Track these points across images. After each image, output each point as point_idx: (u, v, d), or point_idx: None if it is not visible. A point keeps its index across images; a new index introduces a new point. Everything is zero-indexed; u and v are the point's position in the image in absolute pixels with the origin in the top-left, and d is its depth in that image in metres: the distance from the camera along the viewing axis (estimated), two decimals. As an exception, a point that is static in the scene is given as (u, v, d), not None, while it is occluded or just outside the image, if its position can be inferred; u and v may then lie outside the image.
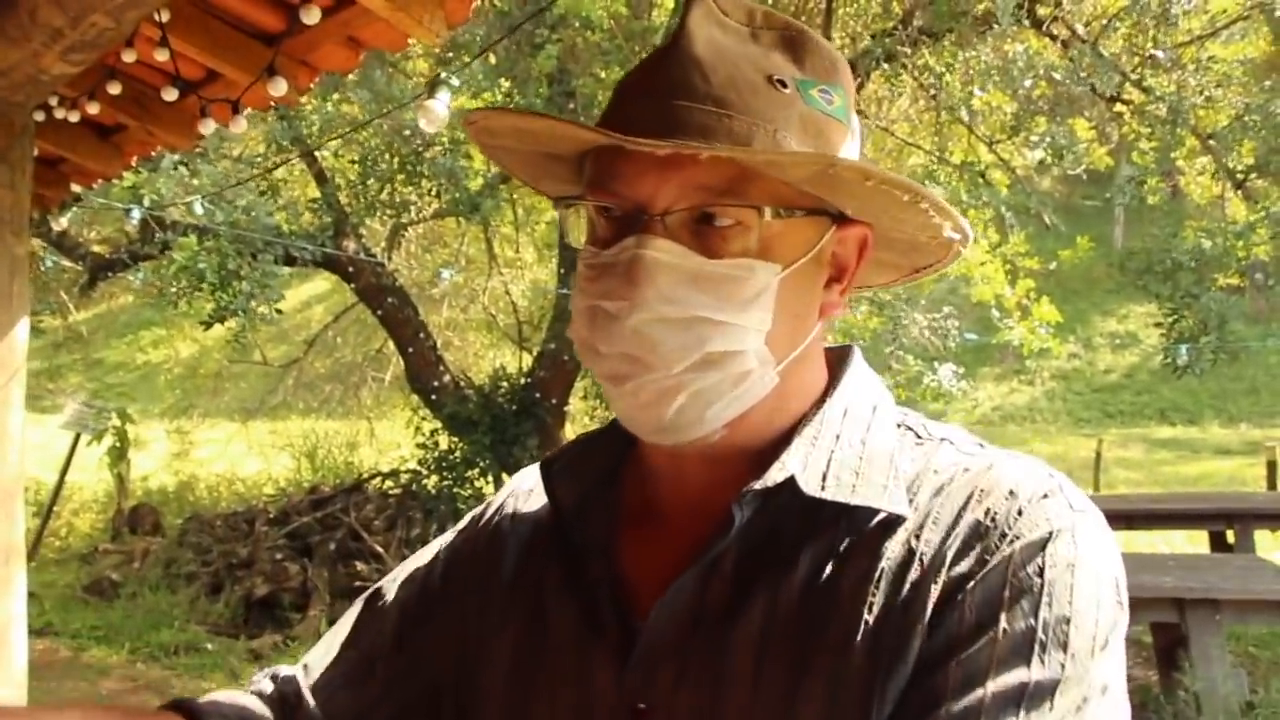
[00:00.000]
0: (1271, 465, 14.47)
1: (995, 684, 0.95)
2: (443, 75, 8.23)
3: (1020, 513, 1.03)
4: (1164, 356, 12.04)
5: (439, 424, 12.31)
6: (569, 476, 1.23)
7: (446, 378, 12.54)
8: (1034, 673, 0.96)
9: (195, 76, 3.63)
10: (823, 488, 1.07)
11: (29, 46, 2.94)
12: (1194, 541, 11.89)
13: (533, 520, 1.31)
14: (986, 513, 1.04)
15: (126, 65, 3.44)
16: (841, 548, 1.06)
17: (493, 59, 10.33)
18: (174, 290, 11.58)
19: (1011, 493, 1.05)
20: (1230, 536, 9.68)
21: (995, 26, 9.14)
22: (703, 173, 1.05)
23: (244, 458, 17.98)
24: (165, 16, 3.13)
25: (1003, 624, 0.97)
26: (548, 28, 10.14)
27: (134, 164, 4.80)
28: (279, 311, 11.68)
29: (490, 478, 11.86)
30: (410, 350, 12.74)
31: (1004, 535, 1.02)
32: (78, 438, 14.71)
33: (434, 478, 12.12)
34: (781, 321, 1.10)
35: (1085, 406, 29.36)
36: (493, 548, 1.31)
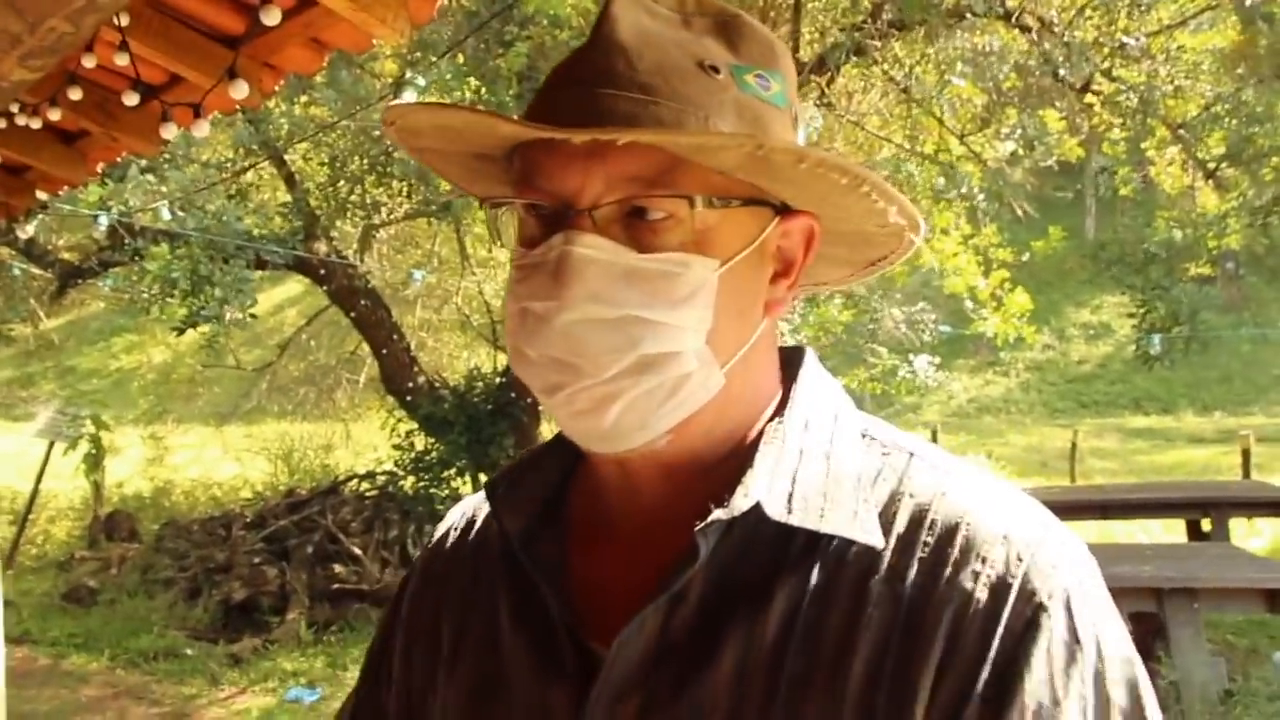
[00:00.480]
0: (1246, 453, 14.55)
1: None
2: (409, 75, 8.19)
3: (1020, 559, 0.98)
4: (1136, 347, 12.10)
5: (414, 425, 12.28)
6: (514, 499, 1.17)
7: (421, 379, 12.52)
8: None
9: (157, 80, 3.59)
10: (789, 510, 1.02)
11: (-13, 53, 2.91)
12: (1170, 531, 11.94)
13: (475, 552, 1.26)
14: (980, 559, 0.98)
15: (87, 70, 3.41)
16: (817, 581, 1.00)
17: (461, 58, 10.29)
18: (146, 296, 11.53)
19: (1004, 536, 1.00)
20: (1206, 525, 9.72)
21: (966, 18, 9.15)
22: (630, 163, 1.00)
23: (219, 462, 17.95)
24: (125, 20, 3.10)
25: (1063, 703, 0.94)
26: (516, 25, 10.11)
27: (100, 170, 4.76)
28: (253, 316, 11.64)
29: (467, 478, 11.84)
30: (384, 352, 12.70)
31: (1006, 587, 0.97)
32: (52, 445, 14.65)
33: (410, 479, 12.09)
34: (724, 319, 1.04)
35: (1060, 397, 29.51)
36: (431, 609, 1.26)
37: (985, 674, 0.94)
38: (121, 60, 3.19)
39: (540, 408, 12.23)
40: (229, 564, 11.33)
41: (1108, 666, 0.97)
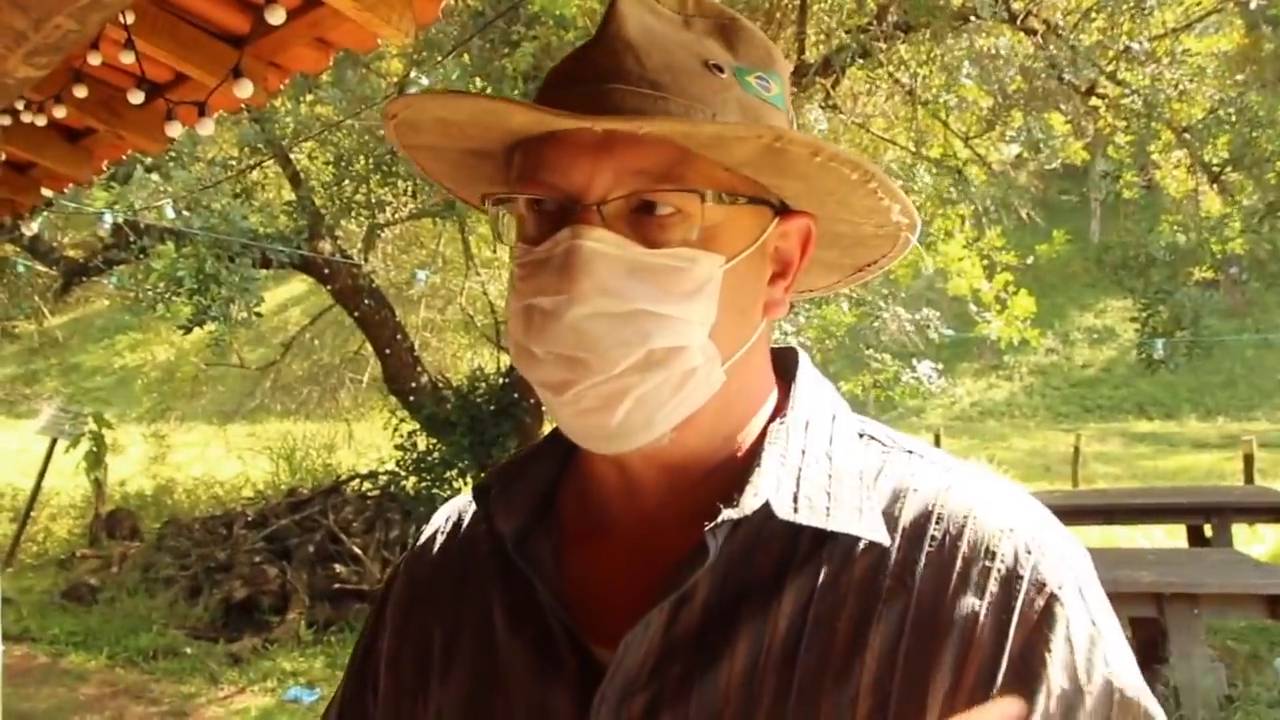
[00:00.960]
0: (1249, 459, 14.51)
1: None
2: (413, 75, 8.20)
3: (1029, 551, 1.00)
4: (1138, 352, 12.08)
5: (417, 425, 12.27)
6: (507, 500, 1.17)
7: (424, 379, 12.51)
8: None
9: (162, 79, 3.60)
10: (795, 510, 1.02)
11: (-8, 50, 2.91)
12: (1172, 536, 11.93)
13: (463, 555, 1.25)
14: (989, 553, 1.00)
15: (92, 68, 3.42)
16: (826, 579, 1.01)
17: (467, 58, 10.28)
18: (151, 295, 11.53)
19: (1010, 529, 1.02)
20: (1208, 531, 9.72)
21: (972, 20, 9.14)
22: (639, 157, 1.01)
23: (222, 461, 17.95)
24: (130, 18, 3.10)
25: (1088, 686, 0.97)
26: (523, 25, 10.11)
27: (105, 168, 4.77)
28: (258, 315, 11.64)
29: (469, 478, 11.82)
30: (388, 352, 12.69)
31: (1017, 579, 0.99)
32: (54, 443, 14.65)
33: (412, 479, 12.08)
34: (727, 316, 1.05)
35: (1063, 401, 29.44)
36: (419, 615, 1.25)
37: (1005, 665, 0.96)
38: (127, 58, 3.19)
39: (543, 408, 12.22)
40: (230, 563, 11.34)
41: (1118, 651, 1.01)
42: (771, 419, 1.13)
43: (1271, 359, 28.46)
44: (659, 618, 1.02)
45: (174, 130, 3.51)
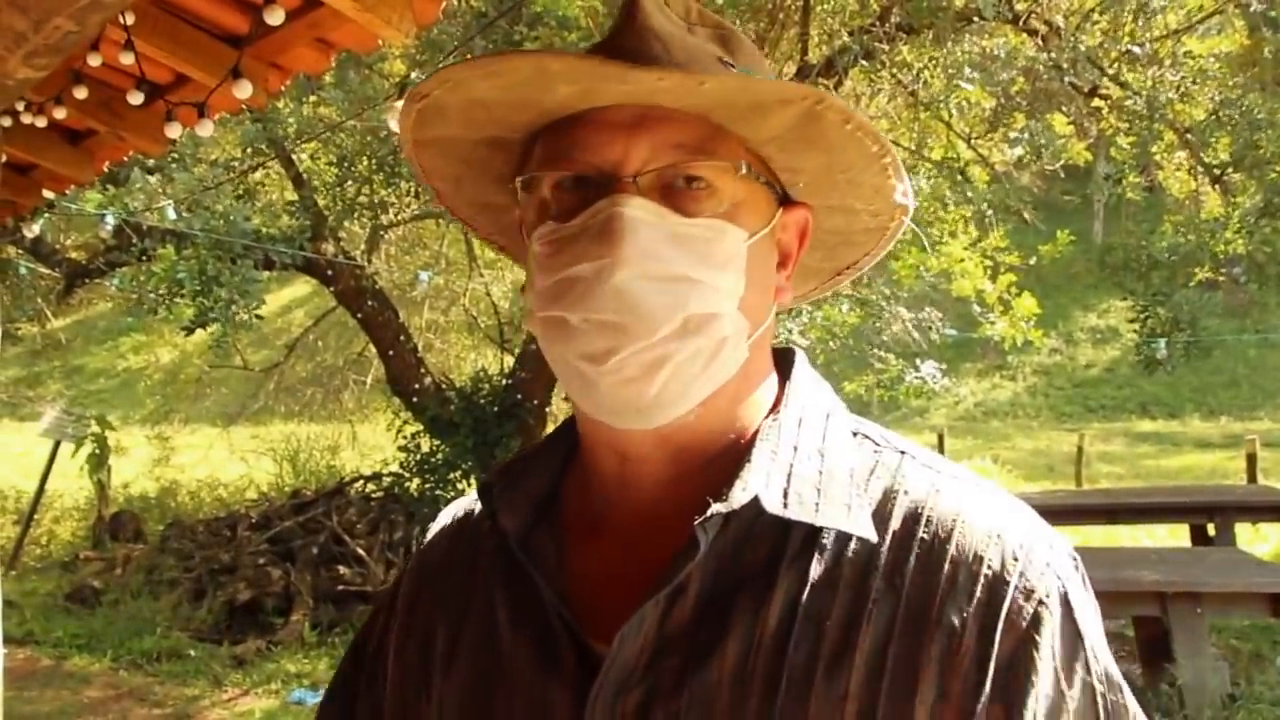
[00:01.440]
0: (1251, 458, 14.52)
1: None
2: (414, 76, 8.19)
3: (1015, 558, 1.01)
4: (1138, 352, 12.08)
5: (421, 426, 12.27)
6: (510, 498, 1.18)
7: (428, 380, 12.51)
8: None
9: (163, 80, 3.60)
10: (785, 505, 1.03)
11: (-9, 51, 2.91)
12: (1175, 535, 11.92)
13: (468, 553, 1.26)
14: (977, 557, 1.01)
15: (92, 69, 3.42)
16: (816, 575, 1.02)
17: (470, 58, 10.27)
18: (153, 297, 11.53)
19: (998, 535, 1.03)
20: (1211, 530, 9.72)
21: (974, 21, 9.14)
22: (673, 131, 1.05)
23: (225, 463, 17.94)
24: (130, 19, 3.11)
25: (1070, 693, 0.99)
26: (525, 25, 10.12)
27: (106, 169, 4.77)
28: (259, 317, 11.63)
29: (472, 480, 11.82)
30: (391, 353, 12.70)
31: (1004, 584, 1.00)
32: (57, 445, 14.65)
33: (416, 480, 12.08)
34: (750, 291, 1.09)
35: (1067, 401, 29.44)
36: (425, 611, 1.26)
37: (992, 670, 0.97)
38: (127, 59, 3.20)
39: (547, 409, 12.24)
40: (234, 565, 11.33)
41: (1101, 657, 1.02)
42: (767, 415, 1.14)
43: (1274, 359, 28.46)
44: (653, 612, 1.03)
45: (174, 131, 3.52)
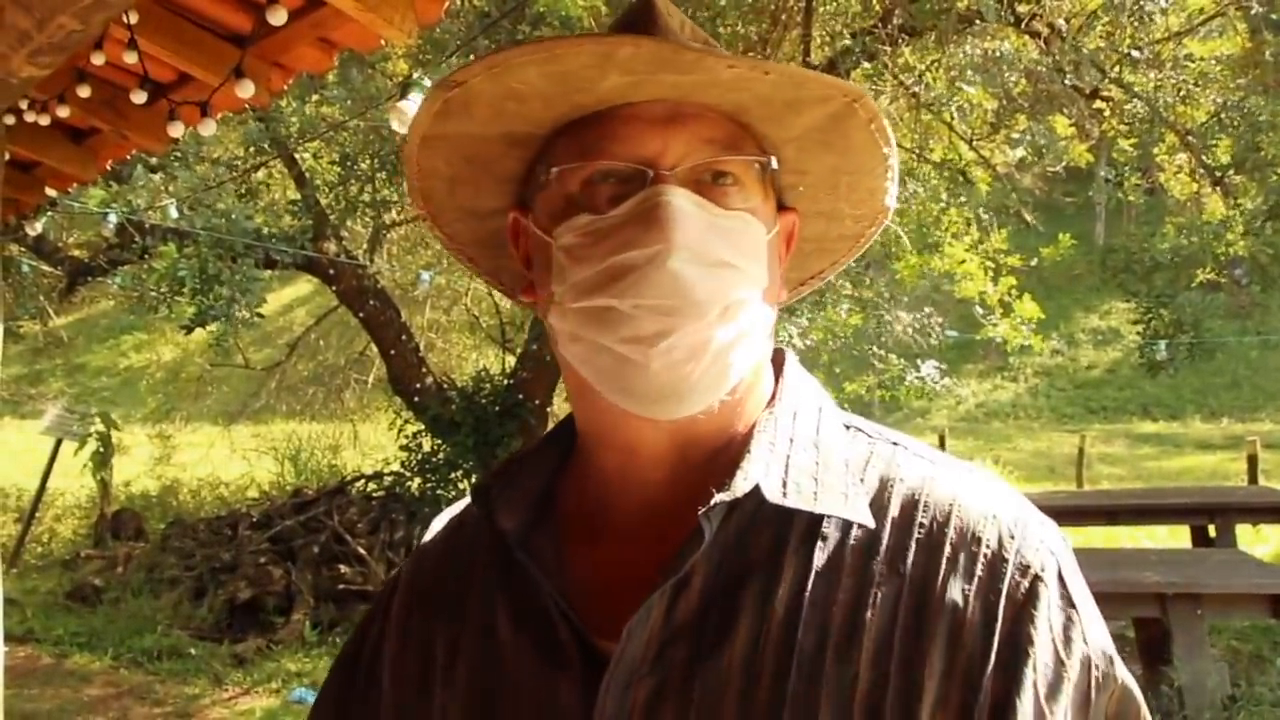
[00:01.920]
0: (1252, 460, 14.51)
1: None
2: (415, 76, 8.19)
3: (1011, 536, 1.04)
4: (1140, 354, 12.10)
5: (422, 426, 12.27)
6: (508, 499, 1.18)
7: (429, 380, 12.51)
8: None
9: (166, 78, 3.60)
10: (784, 494, 1.05)
11: (-5, 50, 2.92)
12: (1176, 536, 11.92)
13: (465, 557, 1.26)
14: (975, 539, 1.04)
15: (96, 68, 3.42)
16: (820, 563, 1.04)
17: (472, 57, 10.27)
18: (154, 295, 11.54)
19: (994, 516, 1.06)
20: (1212, 531, 9.71)
21: (977, 24, 9.14)
22: (705, 128, 1.08)
23: (227, 461, 17.94)
24: (134, 18, 3.11)
25: (1069, 662, 1.01)
26: (528, 25, 10.12)
27: (109, 167, 4.78)
28: (260, 315, 11.63)
29: (473, 480, 11.81)
30: (392, 352, 12.70)
31: (1003, 562, 1.03)
32: (59, 443, 14.65)
33: (417, 480, 12.09)
34: (770, 283, 1.12)
35: (1068, 402, 29.48)
36: (422, 617, 1.25)
37: (996, 644, 0.99)
38: (130, 58, 3.20)
39: (548, 409, 12.23)
40: (235, 564, 11.33)
41: (1094, 629, 1.04)
42: (764, 410, 1.16)
43: (1275, 360, 28.48)
44: (659, 604, 1.04)
45: (176, 130, 3.52)
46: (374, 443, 17.21)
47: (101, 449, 14.46)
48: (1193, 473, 20.03)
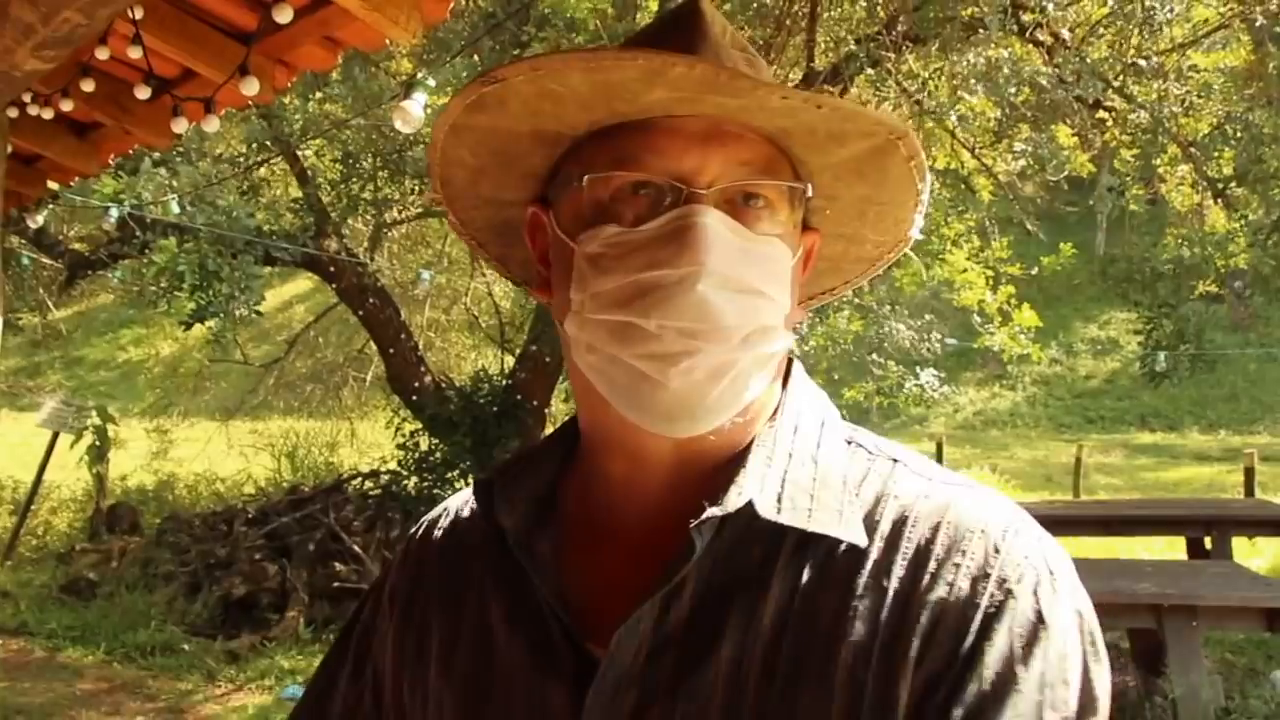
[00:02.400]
0: (1249, 472, 14.51)
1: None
2: (419, 75, 8.19)
3: (997, 550, 1.02)
4: (1141, 364, 12.10)
5: (419, 425, 12.26)
6: (509, 497, 1.18)
7: (427, 379, 12.51)
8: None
9: (170, 74, 3.60)
10: (778, 510, 1.05)
11: (0, 42, 2.92)
12: (1172, 548, 11.92)
13: (461, 550, 1.27)
14: (961, 552, 1.02)
15: (101, 62, 3.42)
16: (809, 577, 1.04)
17: (476, 58, 10.29)
18: (153, 290, 11.53)
19: (982, 531, 1.04)
20: (1208, 543, 9.70)
21: (981, 32, 9.15)
22: (743, 149, 1.07)
23: (224, 457, 17.91)
24: (139, 13, 3.11)
25: (1021, 675, 0.97)
26: (533, 26, 10.13)
27: (112, 161, 4.78)
28: (258, 313, 11.63)
29: (470, 480, 11.80)
30: (391, 351, 12.70)
31: (984, 576, 1.01)
32: (56, 436, 14.62)
33: (414, 479, 12.07)
34: (791, 308, 1.11)
35: (1066, 412, 29.43)
36: (419, 608, 1.26)
37: (961, 653, 0.98)
38: (135, 53, 3.20)
39: (547, 410, 12.23)
40: (230, 560, 11.31)
41: (1070, 651, 1.00)
42: (767, 422, 1.15)
43: (1274, 373, 28.45)
44: (649, 613, 1.04)
45: (180, 126, 3.52)
46: (371, 441, 17.18)
47: (98, 443, 14.45)
48: (1190, 484, 20.00)
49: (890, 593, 1.01)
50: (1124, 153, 10.73)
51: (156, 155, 10.43)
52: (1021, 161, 11.07)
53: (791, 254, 1.10)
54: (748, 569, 1.05)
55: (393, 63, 11.99)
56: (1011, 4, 9.00)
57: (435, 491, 11.65)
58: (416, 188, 12.40)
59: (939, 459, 17.12)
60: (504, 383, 12.22)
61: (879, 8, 9.84)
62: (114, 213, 10.44)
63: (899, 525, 1.05)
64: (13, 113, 3.73)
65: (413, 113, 5.52)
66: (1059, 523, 10.13)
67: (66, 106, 3.69)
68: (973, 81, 9.97)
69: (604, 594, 1.11)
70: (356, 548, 11.13)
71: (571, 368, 1.15)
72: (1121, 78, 9.86)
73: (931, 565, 1.02)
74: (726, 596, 1.04)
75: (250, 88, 3.22)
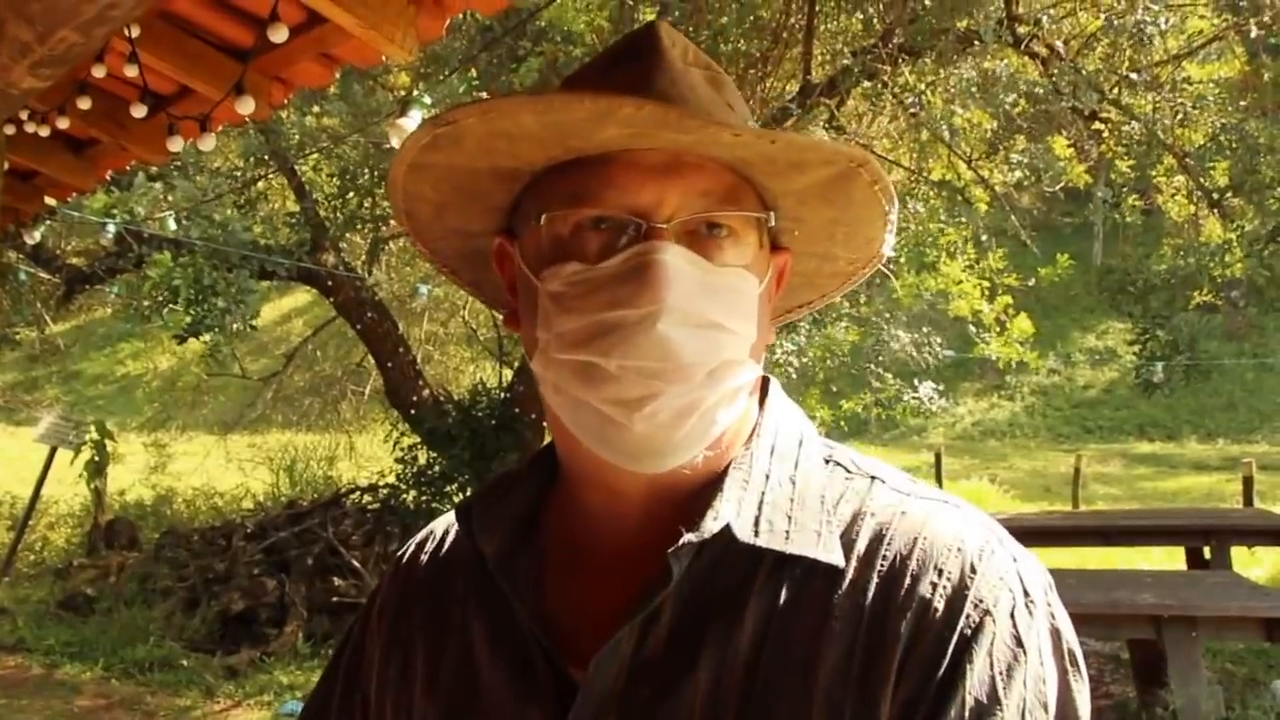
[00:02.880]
0: (1248, 481, 14.51)
1: None
2: (416, 93, 8.21)
3: (974, 570, 1.02)
4: (1137, 375, 12.11)
5: (418, 438, 12.25)
6: (489, 522, 1.19)
7: (426, 392, 12.51)
8: None
9: (167, 91, 3.61)
10: (756, 533, 1.05)
11: (-3, 61, 2.92)
12: (1171, 558, 11.91)
13: (446, 573, 1.27)
14: (937, 570, 1.02)
15: (97, 80, 3.43)
16: (786, 598, 1.03)
17: (474, 73, 10.30)
18: (148, 305, 11.53)
19: (958, 549, 1.04)
20: (1207, 553, 9.70)
21: (976, 44, 9.17)
22: (704, 179, 1.05)
23: (222, 471, 17.90)
24: (136, 31, 3.12)
25: (1002, 701, 0.97)
26: (530, 41, 10.14)
27: (108, 178, 4.78)
28: (253, 327, 11.62)
29: (468, 493, 11.76)
30: (389, 365, 12.70)
31: (961, 597, 1.01)
32: (54, 451, 14.61)
33: (412, 493, 12.05)
34: (758, 337, 1.10)
35: (1065, 422, 29.47)
36: (405, 629, 1.26)
37: (939, 676, 0.97)
38: (131, 71, 3.21)
39: (544, 424, 12.22)
40: (228, 575, 11.29)
41: (1048, 674, 1.00)
42: (744, 444, 1.15)
43: (1271, 382, 28.49)
44: (628, 638, 1.04)
45: (176, 144, 3.52)
46: (370, 455, 17.15)
47: (96, 457, 14.43)
48: (1188, 494, 20.03)
49: (866, 612, 1.01)
50: (1120, 163, 10.74)
51: (152, 170, 10.43)
52: (1018, 173, 11.09)
53: (759, 281, 1.09)
54: (725, 592, 1.05)
55: (390, 77, 12.00)
56: (1006, 16, 9.03)
57: (434, 505, 11.63)
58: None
59: (938, 470, 17.15)
60: (502, 396, 12.22)
61: (875, 20, 9.86)
62: (111, 228, 10.45)
63: (875, 543, 1.05)
64: (10, 130, 3.73)
65: (409, 130, 5.53)
66: (1058, 533, 10.14)
67: (63, 124, 3.70)
68: (972, 90, 9.99)
69: (585, 617, 1.11)
70: (355, 562, 11.11)
71: (545, 403, 1.15)
72: (1117, 89, 9.88)
73: (906, 583, 1.02)
74: (704, 620, 1.04)
75: (246, 106, 3.22)
